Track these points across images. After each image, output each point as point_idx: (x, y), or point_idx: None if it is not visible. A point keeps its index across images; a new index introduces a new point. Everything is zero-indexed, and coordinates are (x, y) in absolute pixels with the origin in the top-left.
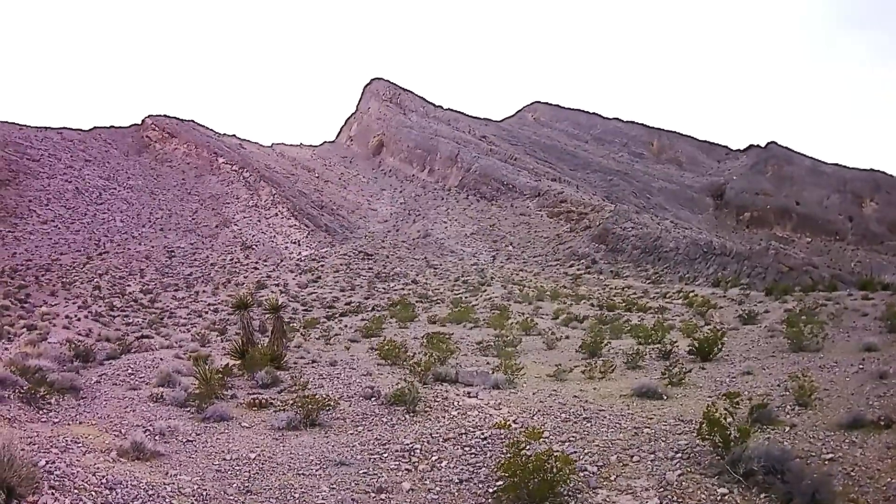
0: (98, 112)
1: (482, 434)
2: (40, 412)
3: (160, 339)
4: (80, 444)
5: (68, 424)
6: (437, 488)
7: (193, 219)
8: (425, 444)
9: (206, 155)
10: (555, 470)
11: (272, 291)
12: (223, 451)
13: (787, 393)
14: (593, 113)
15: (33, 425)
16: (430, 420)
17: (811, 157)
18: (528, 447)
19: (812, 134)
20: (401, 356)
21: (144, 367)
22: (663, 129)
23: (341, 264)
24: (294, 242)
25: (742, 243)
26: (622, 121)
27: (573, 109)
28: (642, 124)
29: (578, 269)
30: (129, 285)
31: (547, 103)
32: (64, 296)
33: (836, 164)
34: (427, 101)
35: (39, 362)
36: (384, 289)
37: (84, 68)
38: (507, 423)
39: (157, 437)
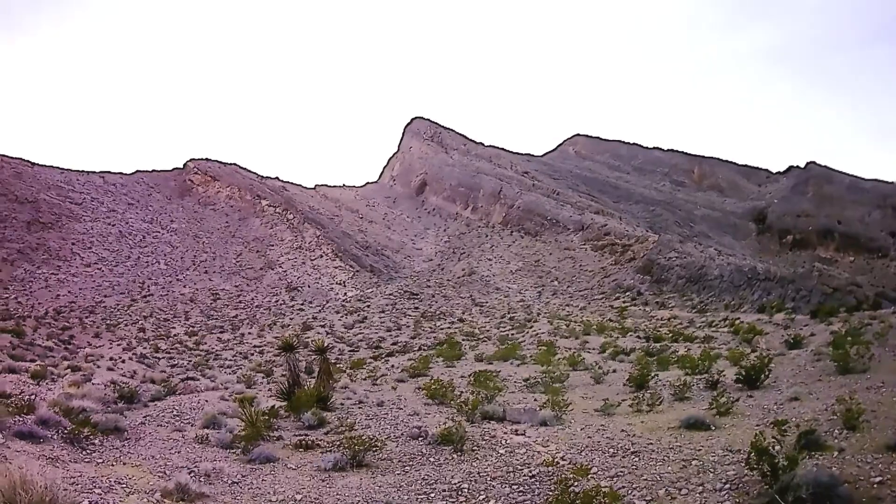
0: (137, 156)
1: (530, 472)
2: (83, 452)
3: (205, 381)
4: (123, 485)
5: (112, 465)
6: None
7: (238, 261)
8: (473, 484)
9: (249, 198)
10: None
11: (318, 332)
12: (269, 493)
13: (835, 417)
14: (633, 143)
15: (76, 465)
16: (478, 459)
17: (851, 175)
18: (576, 484)
19: (852, 149)
20: (448, 395)
21: (189, 408)
22: (703, 156)
23: (387, 304)
24: (339, 283)
25: (785, 267)
26: (662, 150)
27: (613, 141)
28: (682, 152)
29: (624, 302)
30: (173, 327)
31: (587, 136)
32: (108, 338)
33: (876, 180)
34: (468, 139)
35: (83, 403)
36: (430, 328)
37: (123, 113)
38: (555, 459)
39: (202, 479)
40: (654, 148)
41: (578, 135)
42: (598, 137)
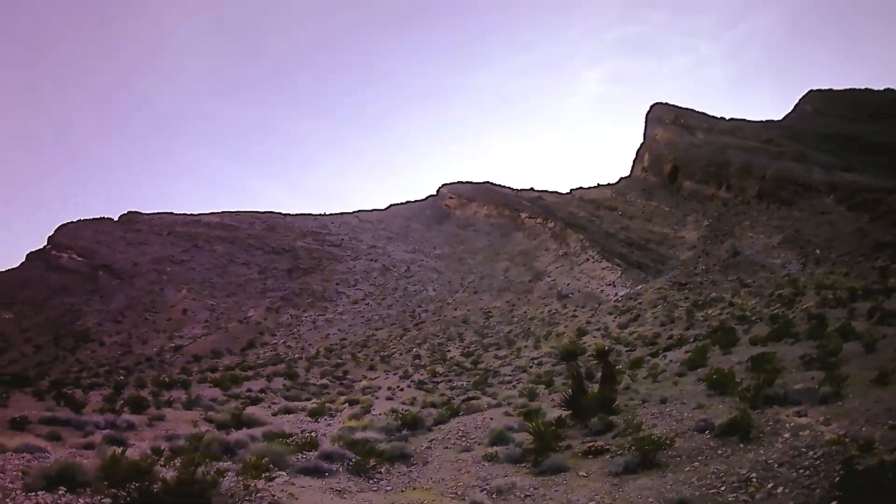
0: (385, 192)
1: (814, 454)
2: (371, 482)
3: (487, 399)
4: None
5: (402, 491)
6: None
7: (506, 277)
8: (760, 472)
9: (507, 213)
10: (886, 483)
11: (593, 337)
12: (563, 503)
13: None
14: (865, 89)
15: (364, 495)
16: (764, 446)
17: None
18: (859, 461)
19: None
20: (729, 383)
21: (474, 427)
22: None
23: (658, 298)
24: (609, 284)
25: None
26: (894, 89)
27: (846, 90)
28: None
29: (884, 261)
30: (449, 350)
31: (821, 90)
32: (383, 369)
33: None
34: (708, 116)
35: (366, 434)
36: (703, 317)
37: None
38: (839, 438)
39: (495, 496)
40: (886, 90)
41: (812, 91)
42: (830, 90)
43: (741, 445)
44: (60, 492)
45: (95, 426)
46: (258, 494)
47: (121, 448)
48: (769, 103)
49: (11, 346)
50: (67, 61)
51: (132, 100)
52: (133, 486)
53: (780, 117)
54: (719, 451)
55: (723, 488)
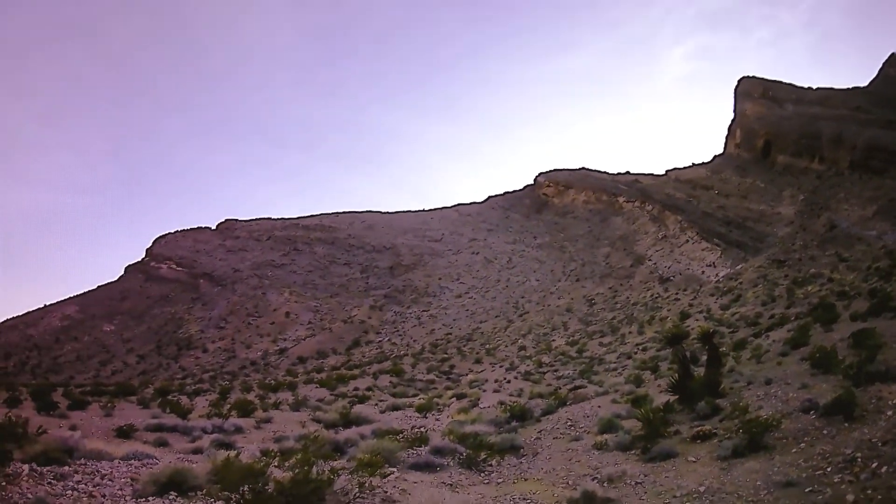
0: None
1: None
2: (482, 475)
3: (593, 387)
4: (528, 501)
5: (513, 483)
6: (879, 497)
7: (607, 263)
8: (865, 452)
9: (605, 198)
10: None
11: (696, 319)
12: (672, 489)
13: None
14: None
15: (476, 488)
16: (868, 425)
17: None
18: None
19: None
20: (832, 362)
21: (583, 416)
22: None
23: (758, 277)
24: (709, 265)
25: None
26: None
27: None
28: None
29: None
30: (553, 339)
31: None
32: (489, 361)
33: None
34: (795, 87)
35: (476, 427)
36: (803, 294)
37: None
38: None
39: (605, 484)
40: None
41: (895, 53)
42: None
43: (846, 425)
44: (171, 496)
45: (203, 431)
46: (372, 492)
47: (234, 451)
48: (853, 68)
49: (114, 357)
50: (160, 69)
51: (223, 107)
52: (246, 489)
53: (865, 83)
54: (824, 432)
55: (829, 469)
